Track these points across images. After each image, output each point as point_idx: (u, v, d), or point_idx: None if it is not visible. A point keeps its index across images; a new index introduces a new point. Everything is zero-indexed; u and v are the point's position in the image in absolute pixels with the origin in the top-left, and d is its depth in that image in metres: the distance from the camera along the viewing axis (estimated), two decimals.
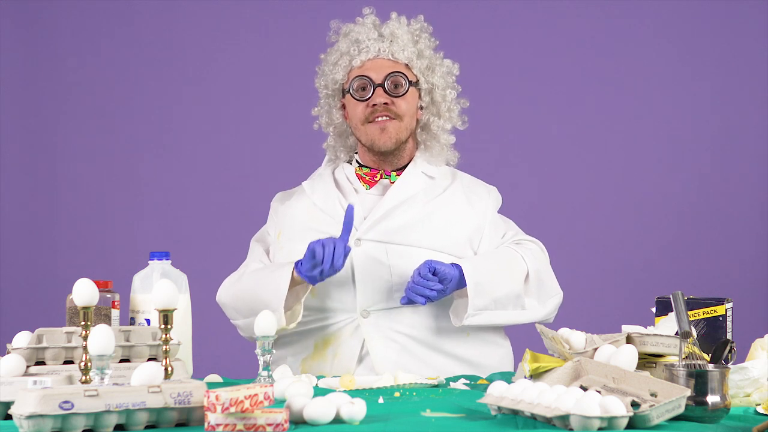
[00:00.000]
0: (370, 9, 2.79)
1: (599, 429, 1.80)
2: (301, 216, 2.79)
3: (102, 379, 1.92)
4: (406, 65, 2.76)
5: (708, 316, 2.31)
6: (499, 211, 2.86)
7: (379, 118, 2.73)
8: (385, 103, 2.72)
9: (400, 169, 2.81)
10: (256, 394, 1.83)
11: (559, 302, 2.78)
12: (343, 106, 2.81)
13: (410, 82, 2.74)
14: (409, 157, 2.82)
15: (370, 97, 2.73)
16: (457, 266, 2.64)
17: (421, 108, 2.80)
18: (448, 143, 2.83)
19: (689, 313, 2.11)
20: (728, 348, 2.12)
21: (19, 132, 4.45)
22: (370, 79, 2.73)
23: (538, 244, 2.81)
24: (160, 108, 4.48)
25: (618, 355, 2.10)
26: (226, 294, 2.78)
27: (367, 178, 2.81)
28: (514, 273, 2.69)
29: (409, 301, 2.62)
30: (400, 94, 2.73)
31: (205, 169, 4.48)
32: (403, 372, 2.44)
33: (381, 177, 2.80)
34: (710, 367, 1.98)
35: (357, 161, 2.84)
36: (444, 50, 2.83)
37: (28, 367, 2.11)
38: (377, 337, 2.67)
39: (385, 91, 2.72)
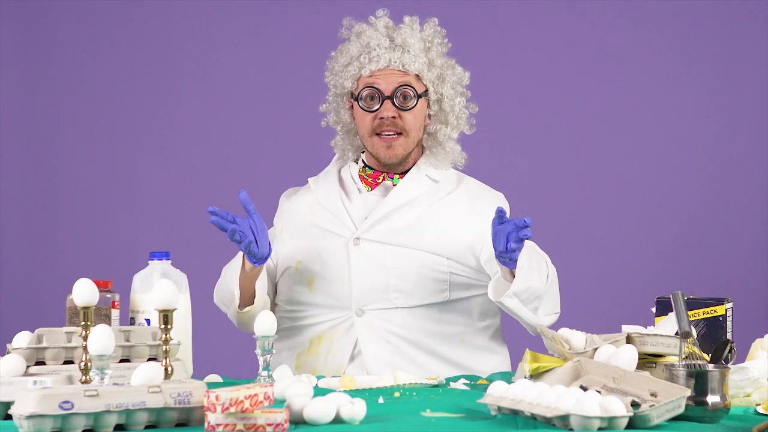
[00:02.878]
0: (383, 11, 2.77)
1: (599, 429, 1.80)
2: (303, 212, 2.80)
3: (102, 379, 1.92)
4: (416, 76, 2.75)
5: (708, 316, 2.31)
6: None
7: (386, 133, 2.72)
8: (393, 117, 2.72)
9: (404, 173, 2.81)
10: (256, 394, 1.83)
11: (554, 321, 2.70)
12: (352, 107, 2.80)
13: (419, 95, 2.74)
14: (413, 161, 2.81)
15: (378, 109, 2.72)
16: None
17: (429, 116, 2.79)
18: (453, 151, 2.81)
19: (689, 313, 2.10)
20: (728, 348, 2.12)
21: (19, 132, 4.45)
22: (380, 91, 2.72)
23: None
24: (160, 108, 4.48)
25: (618, 355, 2.10)
26: (215, 291, 2.80)
27: (370, 179, 2.81)
28: (542, 273, 2.62)
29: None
30: (408, 108, 2.72)
31: (205, 169, 4.48)
32: (401, 372, 2.44)
33: (383, 179, 2.81)
34: (710, 367, 1.98)
35: (363, 161, 2.84)
36: (451, 52, 2.82)
37: (28, 367, 2.11)
38: (370, 336, 2.68)
39: (394, 104, 2.72)
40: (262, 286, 2.69)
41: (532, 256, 2.61)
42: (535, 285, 2.56)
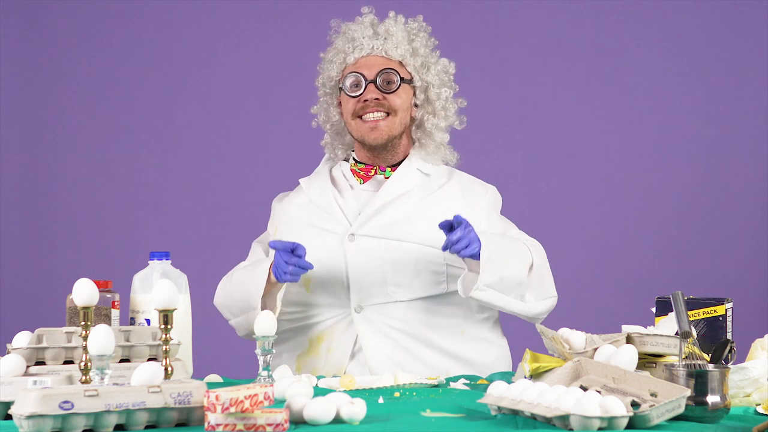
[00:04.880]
0: (369, 8, 2.82)
1: (599, 429, 1.80)
2: (296, 211, 2.80)
3: (102, 379, 1.93)
4: (400, 62, 2.78)
5: (708, 316, 2.31)
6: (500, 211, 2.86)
7: (371, 114, 2.74)
8: (377, 99, 2.73)
9: (395, 166, 2.81)
10: (256, 394, 1.83)
11: (553, 305, 2.75)
12: (340, 104, 2.82)
13: (402, 79, 2.75)
14: (404, 154, 2.82)
15: (362, 93, 2.74)
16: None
17: (416, 106, 2.81)
18: (443, 141, 2.83)
19: (689, 313, 2.11)
20: (728, 348, 2.12)
21: (19, 132, 4.45)
22: (363, 76, 2.74)
23: (540, 246, 2.80)
24: (159, 108, 4.48)
25: (618, 355, 2.10)
26: (219, 295, 2.80)
27: (362, 173, 2.82)
28: (521, 260, 2.66)
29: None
30: (391, 91, 2.74)
31: (205, 169, 4.48)
32: (401, 371, 2.44)
33: (375, 173, 2.81)
34: (710, 367, 1.98)
35: (353, 158, 2.85)
36: (442, 50, 2.84)
37: (28, 367, 2.11)
38: (370, 332, 2.68)
39: (377, 87, 2.74)
40: (280, 297, 2.72)
41: (506, 245, 2.64)
42: (510, 274, 2.60)
